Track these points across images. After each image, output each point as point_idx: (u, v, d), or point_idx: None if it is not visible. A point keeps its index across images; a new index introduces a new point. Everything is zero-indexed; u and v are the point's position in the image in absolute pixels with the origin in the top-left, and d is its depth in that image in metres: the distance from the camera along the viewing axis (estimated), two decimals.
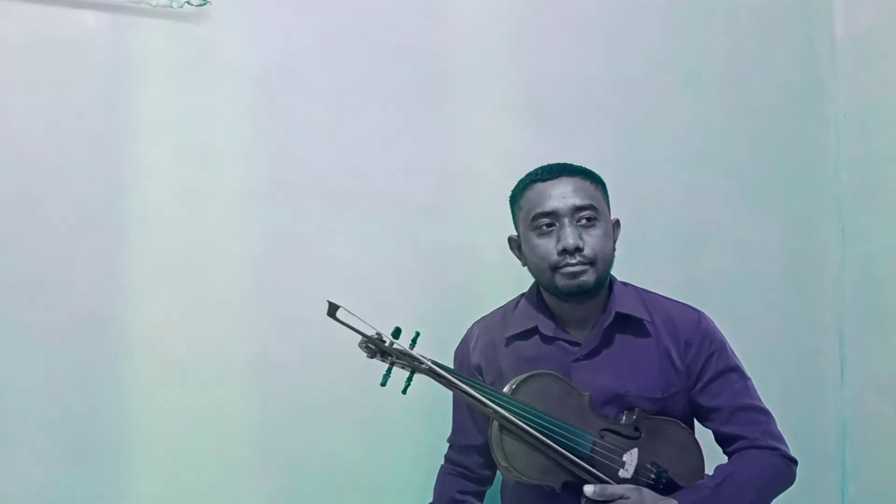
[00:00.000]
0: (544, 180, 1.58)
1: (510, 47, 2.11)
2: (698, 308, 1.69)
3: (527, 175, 1.62)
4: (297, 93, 1.96)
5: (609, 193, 1.64)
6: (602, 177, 1.64)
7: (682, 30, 2.26)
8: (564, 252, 1.53)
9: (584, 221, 1.55)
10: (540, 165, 1.63)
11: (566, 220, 1.54)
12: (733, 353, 1.66)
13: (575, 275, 1.54)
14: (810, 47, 2.38)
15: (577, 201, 1.55)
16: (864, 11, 2.34)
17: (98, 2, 1.83)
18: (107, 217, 1.83)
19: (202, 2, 1.87)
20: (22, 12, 1.80)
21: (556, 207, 1.55)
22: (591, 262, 1.55)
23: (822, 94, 2.37)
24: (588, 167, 1.64)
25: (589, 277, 1.55)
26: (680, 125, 2.24)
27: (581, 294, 1.56)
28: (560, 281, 1.56)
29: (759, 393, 1.69)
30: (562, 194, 1.55)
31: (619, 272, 1.78)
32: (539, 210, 1.56)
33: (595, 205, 1.56)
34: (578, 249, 1.53)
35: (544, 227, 1.55)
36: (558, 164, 1.61)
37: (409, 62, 2.03)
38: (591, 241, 1.55)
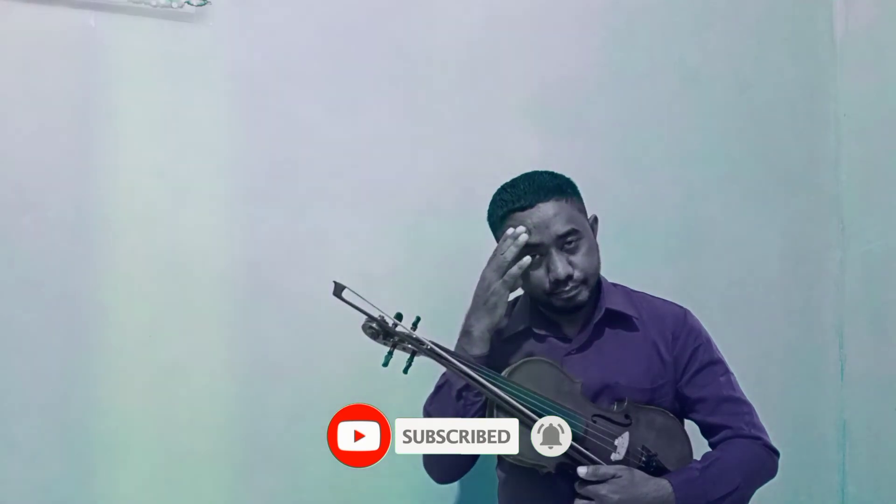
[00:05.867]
0: (522, 209, 1.58)
1: (510, 47, 2.11)
2: (696, 308, 1.74)
3: (499, 199, 1.63)
4: (296, 93, 1.96)
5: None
6: (575, 176, 1.65)
7: (682, 30, 2.26)
8: (557, 282, 1.58)
9: (569, 246, 1.59)
10: (508, 182, 1.64)
11: (553, 250, 1.58)
12: (717, 348, 1.73)
13: (570, 298, 1.60)
14: (810, 47, 2.38)
15: (560, 229, 1.57)
16: (864, 11, 2.34)
17: (98, 2, 1.83)
18: (106, 217, 1.83)
19: (202, 2, 1.87)
20: (22, 12, 1.80)
21: (541, 240, 1.57)
22: (584, 281, 1.60)
23: (822, 94, 2.37)
24: (553, 171, 1.64)
25: (583, 296, 1.62)
26: (680, 125, 2.24)
27: (576, 310, 1.64)
28: (556, 302, 1.62)
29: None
30: (543, 224, 1.57)
31: (618, 272, 1.79)
32: None
33: (576, 227, 1.59)
34: (570, 277, 1.58)
35: (531, 258, 1.58)
36: (527, 183, 1.61)
37: (409, 62, 2.03)
38: (579, 263, 1.59)
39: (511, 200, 1.60)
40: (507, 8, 2.11)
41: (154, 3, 1.85)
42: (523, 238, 1.54)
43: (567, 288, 1.59)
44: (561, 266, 1.57)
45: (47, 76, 1.81)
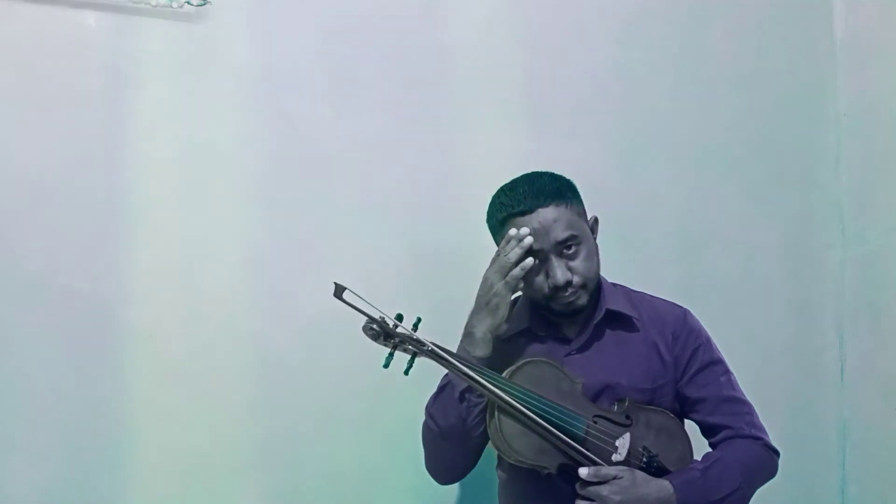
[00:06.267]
0: (522, 214, 1.58)
1: (510, 47, 2.11)
2: (696, 307, 1.75)
3: (499, 203, 1.63)
4: (296, 93, 1.96)
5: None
6: (580, 175, 1.66)
7: (682, 30, 2.26)
8: (556, 288, 1.58)
9: (568, 251, 1.58)
10: (507, 185, 1.63)
11: (552, 256, 1.58)
12: (717, 348, 1.73)
13: (570, 303, 1.61)
14: (810, 47, 2.38)
15: (559, 235, 1.57)
16: (864, 11, 2.34)
17: (98, 2, 1.83)
18: (107, 216, 1.83)
19: (202, 2, 1.87)
20: (22, 12, 1.80)
21: (540, 247, 1.57)
22: (583, 286, 1.60)
23: (822, 94, 2.37)
24: (553, 172, 1.65)
25: (582, 300, 1.62)
26: (680, 125, 2.24)
27: (576, 314, 1.64)
28: (555, 306, 1.62)
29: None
30: (543, 230, 1.57)
31: (618, 272, 1.79)
32: None
33: (575, 232, 1.59)
34: (569, 283, 1.58)
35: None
36: (526, 187, 1.60)
37: (409, 62, 2.03)
38: (579, 269, 1.59)
39: (511, 204, 1.60)
40: (507, 8, 2.11)
41: (154, 3, 1.84)
42: (528, 241, 1.53)
43: (566, 293, 1.59)
44: (560, 273, 1.57)
45: (47, 76, 1.81)
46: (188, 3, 1.86)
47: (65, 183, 1.81)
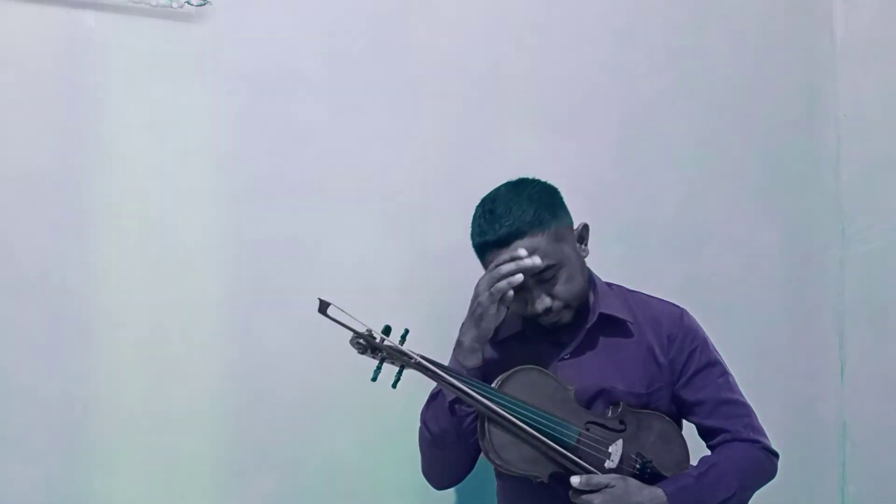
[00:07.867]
0: (498, 246, 1.55)
1: (510, 47, 2.11)
2: (695, 308, 1.73)
3: (477, 226, 1.60)
4: (296, 93, 1.95)
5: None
6: (556, 183, 1.63)
7: (682, 30, 2.26)
8: (536, 314, 1.58)
9: (547, 278, 1.56)
10: (488, 202, 1.60)
11: (531, 285, 1.55)
12: (715, 348, 1.71)
13: (555, 322, 1.60)
14: (810, 47, 2.38)
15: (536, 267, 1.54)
16: (864, 11, 2.34)
17: (98, 2, 1.83)
18: (106, 217, 1.83)
19: (202, 2, 1.87)
20: (22, 12, 1.79)
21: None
22: (565, 307, 1.59)
23: (822, 94, 2.38)
24: (535, 185, 1.61)
25: (566, 318, 1.61)
26: (680, 125, 2.24)
27: (562, 329, 1.63)
28: (542, 322, 1.61)
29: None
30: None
31: (618, 272, 1.79)
32: None
33: (553, 261, 1.55)
34: (549, 309, 1.57)
35: (512, 291, 1.55)
36: (505, 212, 1.56)
37: (410, 62, 2.03)
38: (559, 293, 1.57)
39: (487, 232, 1.57)
40: (507, 8, 2.11)
41: (154, 3, 1.84)
42: (527, 262, 1.51)
43: (548, 316, 1.59)
44: (539, 302, 1.56)
45: (47, 76, 1.81)
46: (188, 3, 1.86)
47: (64, 182, 1.81)
